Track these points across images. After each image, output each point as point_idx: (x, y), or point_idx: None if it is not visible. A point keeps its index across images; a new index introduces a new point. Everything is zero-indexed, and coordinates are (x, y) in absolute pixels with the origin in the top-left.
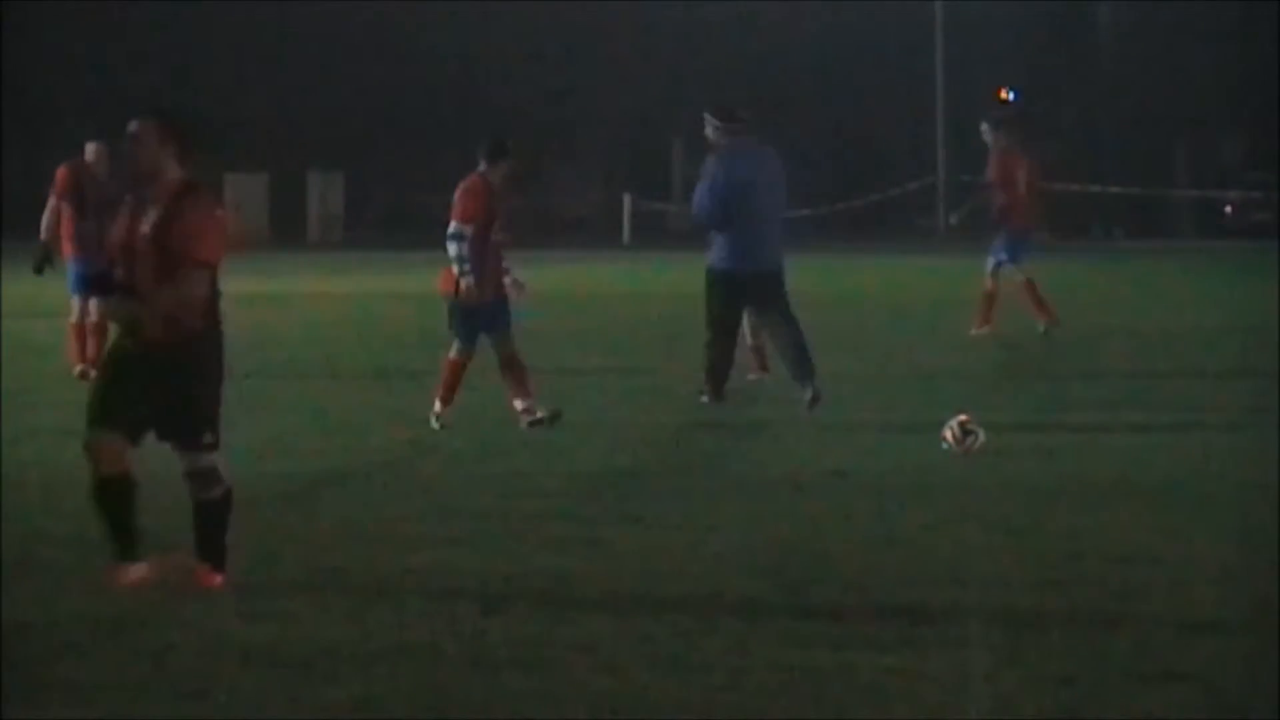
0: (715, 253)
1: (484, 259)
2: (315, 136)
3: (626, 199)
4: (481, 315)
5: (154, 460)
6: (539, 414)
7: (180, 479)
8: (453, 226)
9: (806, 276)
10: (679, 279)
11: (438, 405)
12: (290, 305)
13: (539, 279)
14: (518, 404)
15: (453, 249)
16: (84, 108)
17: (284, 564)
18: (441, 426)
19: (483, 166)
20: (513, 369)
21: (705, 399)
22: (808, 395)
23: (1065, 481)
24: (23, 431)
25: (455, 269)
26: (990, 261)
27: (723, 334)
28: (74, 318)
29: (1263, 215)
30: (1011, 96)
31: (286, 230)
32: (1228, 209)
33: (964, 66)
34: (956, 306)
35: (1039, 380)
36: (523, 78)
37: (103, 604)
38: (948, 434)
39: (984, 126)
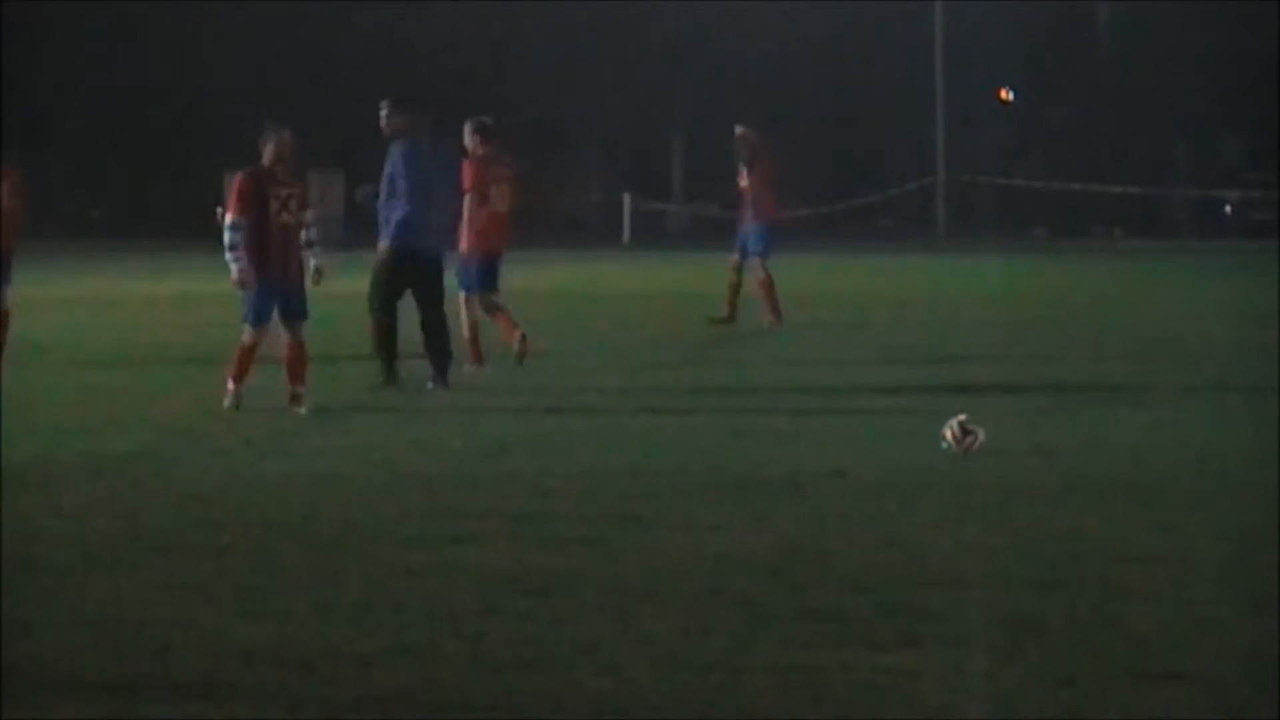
0: (385, 231)
1: (267, 245)
2: (315, 136)
3: (626, 199)
4: (275, 298)
5: (153, 460)
6: (301, 409)
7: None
8: (228, 219)
9: (807, 276)
10: (679, 279)
11: (231, 385)
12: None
13: (539, 279)
14: (291, 388)
15: (226, 238)
16: (84, 108)
17: (284, 564)
18: (236, 407)
19: (266, 156)
20: (295, 352)
21: (379, 381)
22: (431, 385)
23: (1065, 481)
24: (23, 431)
25: (227, 256)
26: (753, 258)
27: (386, 313)
28: None
29: (1263, 215)
30: (1012, 96)
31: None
32: (1228, 209)
33: (964, 66)
34: (957, 306)
35: (1039, 380)
36: (522, 77)
37: (103, 604)
38: (948, 434)
39: (739, 128)
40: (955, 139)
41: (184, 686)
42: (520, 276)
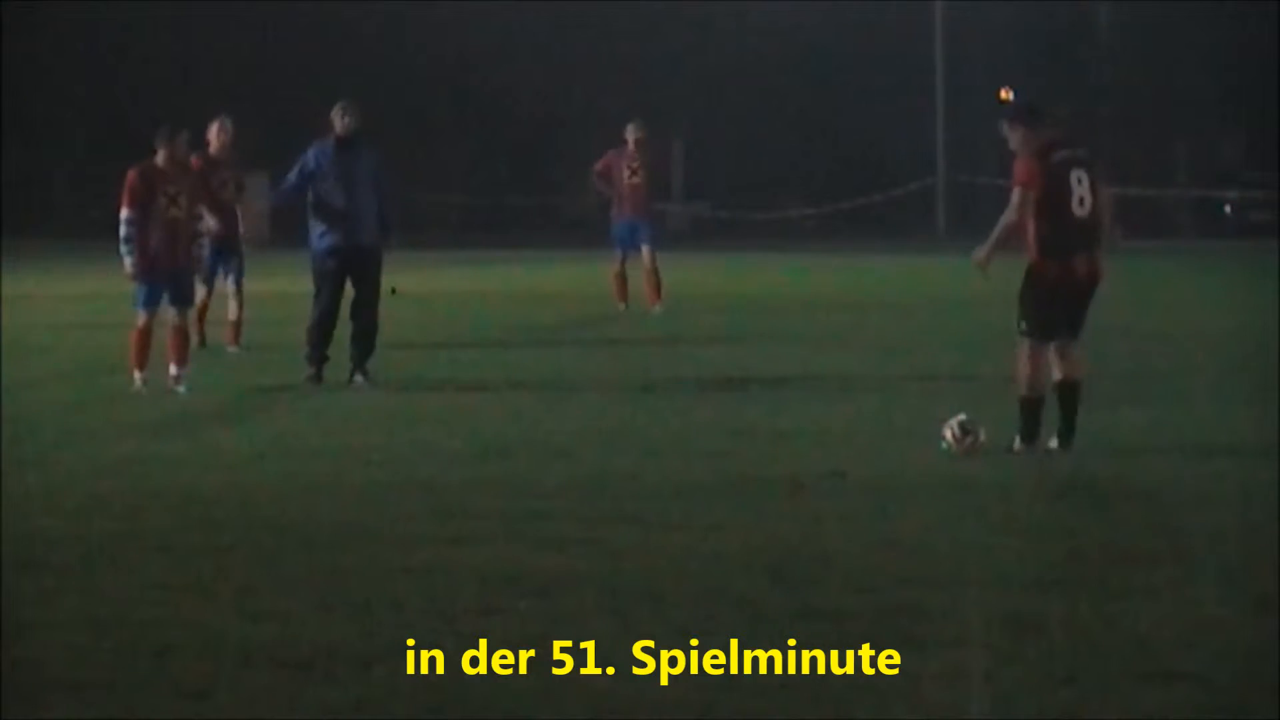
0: (314, 233)
1: (156, 238)
2: (314, 137)
3: None
4: (165, 286)
5: (153, 460)
6: (181, 388)
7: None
8: (122, 213)
9: (807, 276)
10: (679, 279)
11: (136, 373)
12: (290, 305)
13: (540, 279)
14: (172, 369)
15: (121, 231)
16: (84, 108)
17: (284, 564)
18: (143, 384)
19: (159, 156)
20: (178, 337)
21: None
22: (359, 379)
23: (1065, 481)
24: (23, 431)
25: (121, 249)
26: (646, 249)
27: (325, 309)
28: None
29: (1263, 215)
30: (1012, 96)
31: (286, 230)
32: (1227, 209)
33: (964, 66)
34: (956, 307)
35: None
36: (522, 76)
37: (103, 604)
38: (948, 434)
39: (631, 126)
40: (955, 138)
41: (184, 686)
42: (521, 276)
